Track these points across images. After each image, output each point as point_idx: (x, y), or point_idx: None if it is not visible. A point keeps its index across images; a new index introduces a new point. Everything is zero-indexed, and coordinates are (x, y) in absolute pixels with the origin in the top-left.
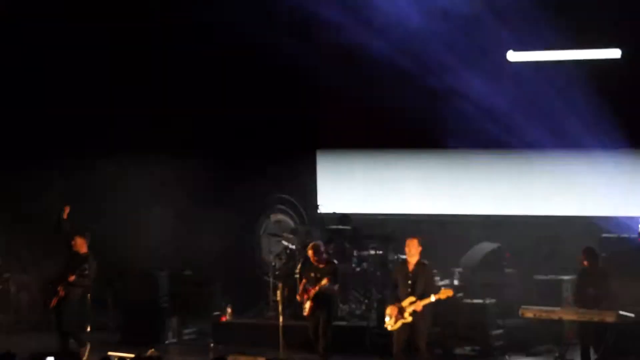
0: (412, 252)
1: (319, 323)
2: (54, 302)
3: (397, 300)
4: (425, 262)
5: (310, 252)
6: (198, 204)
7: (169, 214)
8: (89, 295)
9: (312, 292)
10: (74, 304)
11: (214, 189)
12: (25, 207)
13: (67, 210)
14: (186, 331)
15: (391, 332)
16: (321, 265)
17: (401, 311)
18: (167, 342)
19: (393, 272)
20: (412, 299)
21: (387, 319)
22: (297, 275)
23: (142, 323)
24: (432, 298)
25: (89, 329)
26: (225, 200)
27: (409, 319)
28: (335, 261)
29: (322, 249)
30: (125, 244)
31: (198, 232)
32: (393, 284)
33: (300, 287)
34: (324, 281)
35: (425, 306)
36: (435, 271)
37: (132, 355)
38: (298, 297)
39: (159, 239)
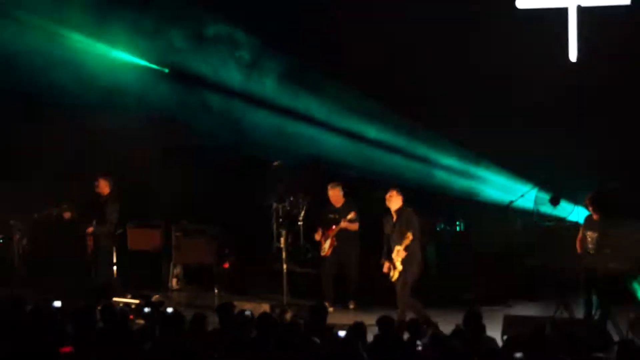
0: (392, 201)
1: (338, 264)
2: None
3: (389, 254)
4: (408, 208)
5: (330, 193)
6: (200, 154)
7: (174, 165)
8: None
9: (335, 230)
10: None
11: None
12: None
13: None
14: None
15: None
16: (338, 205)
17: (393, 262)
18: (172, 289)
19: (384, 227)
20: (397, 247)
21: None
22: (301, 223)
23: (147, 270)
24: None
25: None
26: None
27: (400, 267)
28: (351, 198)
29: (341, 187)
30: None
31: (201, 181)
32: (386, 238)
33: (318, 229)
34: (351, 214)
35: (409, 251)
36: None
37: (137, 301)
38: (317, 237)
39: (163, 190)
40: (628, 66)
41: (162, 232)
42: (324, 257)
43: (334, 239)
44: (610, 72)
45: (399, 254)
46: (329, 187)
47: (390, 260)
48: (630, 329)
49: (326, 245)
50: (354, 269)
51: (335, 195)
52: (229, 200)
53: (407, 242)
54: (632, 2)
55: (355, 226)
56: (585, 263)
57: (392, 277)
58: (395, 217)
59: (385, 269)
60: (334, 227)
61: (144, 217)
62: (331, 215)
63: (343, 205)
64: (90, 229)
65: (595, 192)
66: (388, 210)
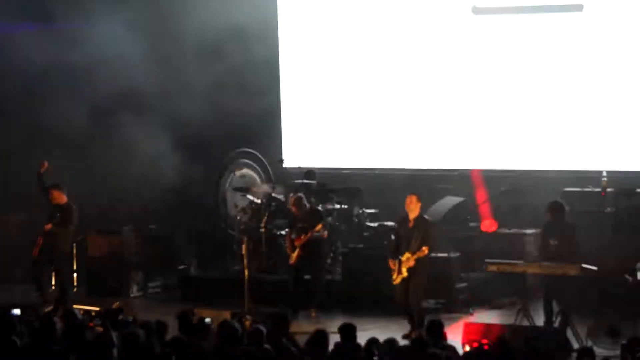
0: (411, 208)
1: (304, 273)
2: (35, 251)
3: (396, 254)
4: (426, 217)
5: (293, 208)
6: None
7: (133, 170)
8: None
9: (302, 240)
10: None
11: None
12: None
13: (44, 165)
14: (151, 285)
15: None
16: (305, 215)
17: (400, 266)
18: (132, 295)
19: (396, 227)
20: (408, 254)
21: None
22: (263, 230)
23: (107, 277)
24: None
25: (53, 283)
26: (189, 154)
27: (406, 274)
28: (320, 207)
29: (304, 200)
30: (89, 199)
31: (163, 187)
32: (395, 238)
33: (288, 238)
34: (319, 227)
35: (420, 262)
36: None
37: (97, 309)
38: (288, 249)
39: (124, 195)
40: None
41: (122, 238)
42: (291, 265)
43: (301, 248)
44: None
45: (408, 261)
46: (292, 202)
47: (398, 261)
48: (589, 336)
49: (294, 255)
50: (320, 277)
51: (300, 209)
52: (192, 206)
53: (421, 254)
54: None
55: (324, 234)
56: (545, 269)
57: (395, 279)
58: (412, 224)
59: (391, 265)
60: (302, 236)
61: (106, 222)
62: (299, 224)
63: (308, 214)
64: (49, 226)
65: (554, 200)
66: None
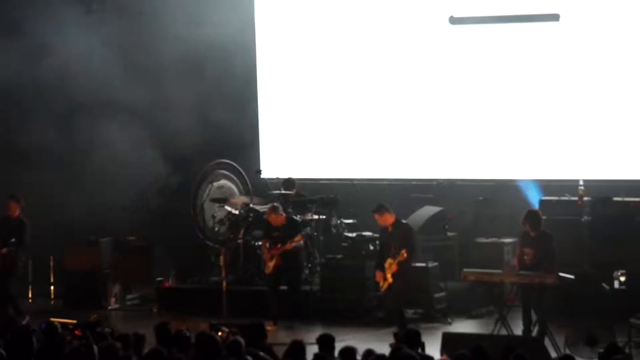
0: (382, 222)
1: (281, 282)
2: None
3: (382, 265)
4: (404, 221)
5: (271, 217)
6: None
7: (111, 179)
8: (29, 261)
9: (280, 250)
10: (12, 270)
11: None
12: None
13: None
14: (129, 297)
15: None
16: (280, 223)
17: (385, 273)
18: (110, 308)
19: (379, 236)
20: (390, 260)
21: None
22: (240, 241)
23: (85, 289)
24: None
25: (30, 296)
26: (167, 165)
27: (391, 280)
28: (297, 216)
29: (280, 209)
30: (67, 210)
31: (141, 198)
32: (379, 249)
33: (263, 248)
34: (298, 238)
35: (400, 267)
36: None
37: (74, 322)
38: (266, 257)
39: (102, 206)
40: None
41: (100, 250)
42: (268, 275)
43: (279, 257)
44: None
45: (391, 267)
46: (268, 212)
47: (382, 270)
48: (567, 345)
49: (271, 264)
50: (298, 286)
51: (277, 217)
52: (170, 217)
53: (400, 258)
54: None
55: (300, 244)
56: (522, 279)
57: (382, 287)
58: (390, 229)
59: (377, 278)
60: (278, 245)
61: (83, 234)
62: (275, 233)
63: (286, 224)
64: (5, 251)
65: (530, 210)
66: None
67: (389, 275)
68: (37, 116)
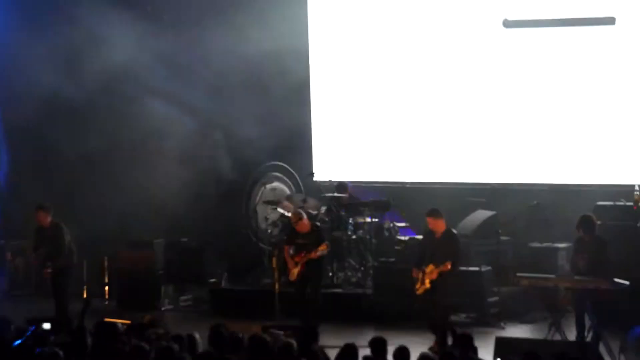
0: (432, 228)
1: (307, 289)
2: (45, 274)
3: (420, 264)
4: (454, 231)
5: (297, 224)
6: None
7: (166, 182)
8: (84, 262)
9: (304, 258)
10: (63, 274)
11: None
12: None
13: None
14: (182, 298)
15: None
16: (306, 231)
17: (423, 277)
18: (163, 309)
19: (422, 237)
20: (431, 267)
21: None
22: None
23: (138, 290)
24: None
25: (85, 296)
26: (221, 167)
27: (428, 285)
28: (318, 224)
29: (304, 215)
30: (122, 212)
31: (194, 200)
32: (420, 248)
33: (286, 254)
34: (323, 247)
35: (443, 275)
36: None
37: (128, 322)
38: (290, 264)
39: (156, 208)
40: None
41: (153, 252)
42: (292, 282)
43: (303, 265)
44: None
45: (431, 273)
46: (293, 217)
47: (422, 272)
48: (621, 351)
49: (295, 271)
50: (318, 293)
51: (302, 224)
52: (223, 219)
53: (443, 269)
54: None
55: (324, 252)
56: (577, 284)
57: (418, 289)
58: (439, 236)
59: (414, 274)
60: (303, 253)
61: (137, 236)
62: (300, 241)
63: (310, 231)
64: (48, 270)
65: (584, 215)
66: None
67: (427, 281)
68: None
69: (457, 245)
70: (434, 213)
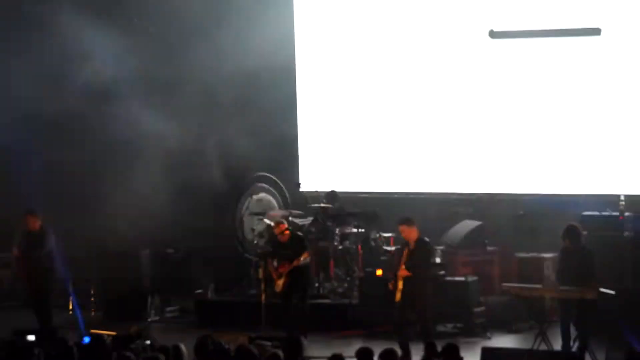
0: (406, 236)
1: (292, 299)
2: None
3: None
4: (426, 239)
5: (277, 231)
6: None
7: (150, 193)
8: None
9: (287, 267)
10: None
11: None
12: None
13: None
14: (169, 309)
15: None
16: (287, 240)
17: (396, 282)
18: (149, 319)
19: (398, 249)
20: (402, 269)
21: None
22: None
23: (125, 301)
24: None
25: (70, 307)
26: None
27: (401, 286)
28: (300, 233)
29: (285, 225)
30: (107, 223)
31: (180, 211)
32: (395, 259)
33: (270, 266)
34: (305, 255)
35: (418, 280)
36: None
37: (113, 333)
38: (274, 275)
39: (141, 219)
40: None
41: (139, 262)
42: (278, 293)
43: (287, 275)
44: None
45: (402, 272)
46: (275, 225)
47: (395, 278)
48: None
49: (280, 282)
50: (305, 302)
51: (283, 232)
52: (210, 230)
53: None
54: None
55: (307, 261)
56: (563, 294)
57: (397, 297)
58: (413, 246)
59: (390, 287)
60: (287, 264)
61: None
62: (283, 251)
63: (290, 240)
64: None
65: (570, 225)
66: None
67: (400, 283)
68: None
69: (427, 252)
70: (407, 221)
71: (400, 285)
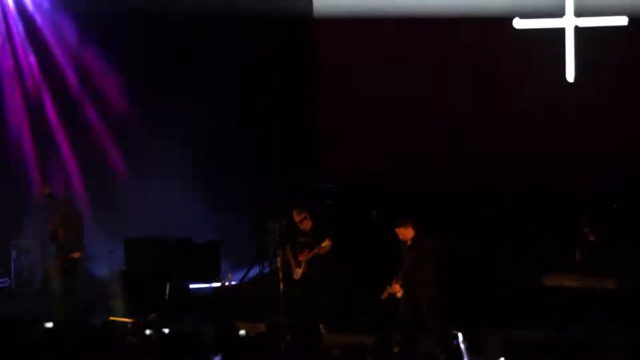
0: (404, 237)
1: (312, 288)
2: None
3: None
4: (425, 236)
5: (298, 220)
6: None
7: (171, 181)
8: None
9: (307, 255)
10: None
11: (214, 156)
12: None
13: (46, 190)
14: (188, 296)
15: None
16: (308, 229)
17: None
18: (169, 307)
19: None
20: (396, 284)
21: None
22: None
23: (144, 289)
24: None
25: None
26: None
27: (397, 289)
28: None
29: (305, 213)
30: (127, 212)
31: (200, 199)
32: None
33: (289, 254)
34: (326, 242)
35: (421, 274)
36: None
37: (132, 320)
38: (292, 264)
39: (161, 207)
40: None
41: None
42: (297, 281)
43: (306, 264)
44: (608, 91)
45: (396, 286)
46: (296, 214)
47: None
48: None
49: (299, 271)
50: (327, 292)
51: (306, 222)
52: (226, 218)
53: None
54: (629, 22)
55: (327, 248)
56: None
57: (397, 293)
58: (409, 243)
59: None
60: (306, 251)
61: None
62: (302, 239)
63: (313, 229)
64: (78, 254)
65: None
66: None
67: (394, 287)
68: None
69: (427, 249)
70: (400, 223)
71: (396, 288)
